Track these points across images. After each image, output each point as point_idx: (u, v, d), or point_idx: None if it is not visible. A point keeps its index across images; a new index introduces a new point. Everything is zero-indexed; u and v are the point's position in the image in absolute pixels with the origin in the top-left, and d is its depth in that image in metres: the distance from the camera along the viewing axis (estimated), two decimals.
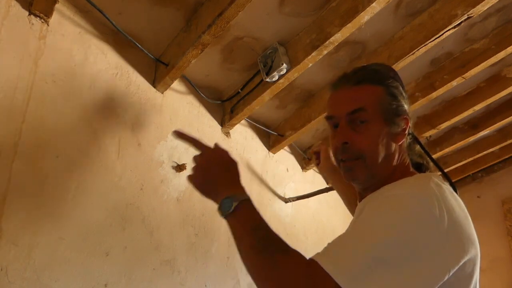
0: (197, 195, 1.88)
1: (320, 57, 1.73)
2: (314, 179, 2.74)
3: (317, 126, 2.38)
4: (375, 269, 0.63)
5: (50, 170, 1.37)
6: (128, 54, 1.75)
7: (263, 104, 2.01)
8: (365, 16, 1.52)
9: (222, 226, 1.96)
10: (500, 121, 2.48)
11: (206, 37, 1.55)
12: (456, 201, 0.76)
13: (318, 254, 0.72)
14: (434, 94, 2.08)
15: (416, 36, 1.74)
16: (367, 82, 0.90)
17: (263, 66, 1.82)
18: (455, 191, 0.82)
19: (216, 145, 1.00)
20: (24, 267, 1.24)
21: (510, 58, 2.02)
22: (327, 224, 2.63)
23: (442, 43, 1.82)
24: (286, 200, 2.41)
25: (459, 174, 3.17)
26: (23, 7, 1.43)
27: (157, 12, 1.63)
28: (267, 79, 1.82)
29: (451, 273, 0.66)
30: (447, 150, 2.71)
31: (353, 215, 1.32)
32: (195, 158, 1.00)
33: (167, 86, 1.84)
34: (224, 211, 0.89)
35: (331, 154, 1.45)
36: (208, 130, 2.06)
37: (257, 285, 0.72)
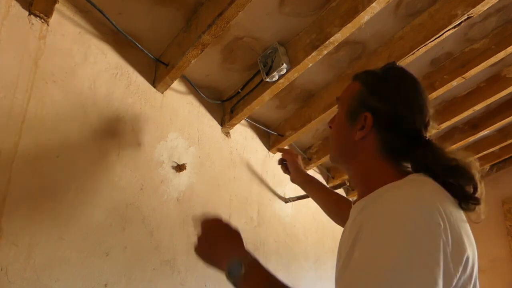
0: (197, 195, 1.90)
1: (320, 57, 1.73)
2: None
3: (317, 126, 2.38)
4: None
5: (50, 170, 1.38)
6: (128, 54, 1.75)
7: (263, 104, 2.01)
8: (365, 16, 1.52)
9: None
10: (500, 121, 2.48)
11: (206, 37, 1.55)
12: (450, 200, 0.76)
13: None
14: (434, 94, 2.08)
15: (416, 36, 1.74)
16: (355, 78, 0.99)
17: (263, 66, 1.82)
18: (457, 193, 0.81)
19: (217, 218, 1.02)
20: (24, 267, 1.24)
21: (510, 58, 2.02)
22: (327, 224, 2.63)
23: (442, 43, 1.82)
24: (286, 200, 2.41)
25: None
26: (23, 7, 1.43)
27: (157, 12, 1.63)
28: (267, 79, 1.82)
29: (457, 277, 0.67)
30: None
31: (334, 220, 1.34)
32: (200, 232, 1.04)
33: (167, 86, 1.84)
34: (234, 276, 0.88)
35: (300, 163, 1.53)
36: (208, 130, 2.06)
37: None
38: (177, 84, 1.95)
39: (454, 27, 1.65)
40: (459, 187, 0.79)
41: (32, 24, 1.44)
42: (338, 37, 1.62)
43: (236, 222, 2.05)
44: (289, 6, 1.64)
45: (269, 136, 2.44)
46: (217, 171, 2.04)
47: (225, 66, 1.94)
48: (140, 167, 1.67)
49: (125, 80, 1.72)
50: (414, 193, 0.74)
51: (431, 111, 0.90)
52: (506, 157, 3.04)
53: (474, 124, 2.59)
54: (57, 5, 1.45)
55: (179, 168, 1.82)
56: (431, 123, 0.89)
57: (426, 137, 0.88)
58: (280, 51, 1.77)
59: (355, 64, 1.98)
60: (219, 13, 1.46)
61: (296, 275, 2.32)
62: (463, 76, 2.00)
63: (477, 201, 0.80)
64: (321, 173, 2.83)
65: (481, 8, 1.57)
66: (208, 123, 2.08)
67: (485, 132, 2.61)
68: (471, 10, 1.57)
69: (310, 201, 2.54)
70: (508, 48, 1.85)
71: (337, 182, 2.79)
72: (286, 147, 1.55)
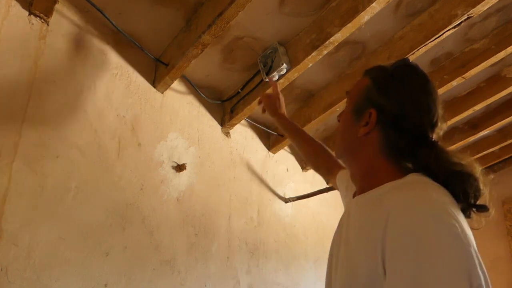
0: (197, 195, 1.90)
1: (320, 57, 1.73)
2: (314, 179, 2.74)
3: (317, 126, 2.38)
4: None
5: (50, 170, 1.38)
6: (128, 54, 1.75)
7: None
8: (365, 16, 1.52)
9: (222, 226, 1.96)
10: (500, 121, 2.48)
11: (206, 37, 1.55)
12: (450, 199, 0.76)
13: None
14: None
15: (416, 36, 1.74)
16: (365, 74, 0.97)
17: (263, 66, 1.82)
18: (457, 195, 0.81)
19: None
20: (24, 267, 1.24)
21: (510, 58, 2.02)
22: (327, 224, 2.63)
23: (442, 43, 1.82)
24: (286, 200, 2.41)
25: None
26: (23, 7, 1.43)
27: (157, 12, 1.63)
28: (267, 79, 1.82)
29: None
30: (447, 149, 2.71)
31: (313, 167, 1.45)
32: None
33: (167, 86, 1.84)
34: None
35: (280, 103, 1.54)
36: (208, 130, 2.06)
37: None
38: (177, 84, 1.95)
39: (454, 27, 1.65)
40: (464, 193, 0.77)
41: (32, 24, 1.44)
42: (338, 37, 1.62)
43: (236, 222, 2.05)
44: (289, 6, 1.64)
45: (269, 136, 2.44)
46: (217, 171, 2.04)
47: (225, 66, 1.94)
48: (140, 167, 1.67)
49: (125, 80, 1.72)
50: (434, 202, 0.71)
51: (440, 111, 0.87)
52: (506, 157, 3.04)
53: (474, 124, 2.59)
54: (57, 5, 1.46)
55: (179, 168, 1.82)
56: (439, 124, 0.87)
57: (431, 138, 0.86)
58: (280, 51, 1.78)
59: (355, 64, 1.98)
60: (219, 13, 1.46)
61: (296, 275, 2.32)
62: (463, 76, 2.00)
63: (482, 209, 0.78)
64: None
65: (481, 8, 1.57)
66: (208, 123, 2.08)
67: (485, 132, 2.61)
68: (471, 10, 1.57)
69: (310, 201, 2.55)
70: (508, 48, 1.85)
71: None
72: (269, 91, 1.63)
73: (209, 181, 1.98)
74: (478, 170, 0.80)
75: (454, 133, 2.65)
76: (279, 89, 1.57)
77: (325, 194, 2.45)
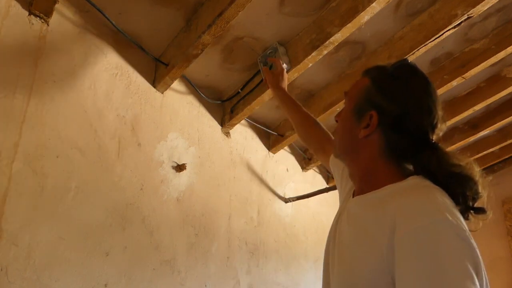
0: (197, 195, 1.90)
1: (320, 57, 1.73)
2: (314, 179, 2.74)
3: None
4: None
5: (50, 170, 1.38)
6: (128, 54, 1.75)
7: (263, 104, 2.01)
8: (365, 16, 1.52)
9: (222, 226, 1.96)
10: (500, 121, 2.48)
11: (206, 37, 1.55)
12: (451, 202, 0.76)
13: None
14: None
15: (416, 36, 1.74)
16: (364, 74, 0.96)
17: (263, 66, 1.82)
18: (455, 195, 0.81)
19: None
20: (24, 267, 1.24)
21: (510, 58, 2.02)
22: (327, 224, 2.63)
23: (442, 43, 1.82)
24: (286, 200, 2.41)
25: None
26: (23, 7, 1.43)
27: (157, 12, 1.63)
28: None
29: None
30: (447, 150, 2.70)
31: (301, 139, 1.46)
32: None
33: (167, 86, 1.84)
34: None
35: (281, 78, 1.60)
36: (208, 130, 2.06)
37: None
38: (177, 84, 1.95)
39: (454, 27, 1.65)
40: (463, 196, 0.78)
41: (32, 24, 1.44)
42: (338, 37, 1.62)
43: (236, 222, 2.05)
44: (289, 6, 1.64)
45: (269, 136, 2.44)
46: (217, 171, 2.04)
47: (225, 66, 1.94)
48: (140, 167, 1.67)
49: (125, 80, 1.72)
50: (441, 207, 0.71)
51: (440, 113, 0.86)
52: (506, 157, 3.04)
53: (474, 124, 2.59)
54: (57, 5, 1.46)
55: (179, 168, 1.82)
56: (439, 125, 0.86)
57: (432, 139, 0.86)
58: (280, 51, 1.77)
59: (355, 64, 1.98)
60: (219, 13, 1.46)
61: (296, 275, 2.32)
62: (463, 76, 2.00)
63: (480, 211, 0.79)
64: (321, 173, 2.83)
65: (481, 8, 1.57)
66: (208, 123, 2.08)
67: (485, 132, 2.60)
68: (471, 10, 1.57)
69: (310, 201, 2.55)
70: (508, 48, 1.85)
71: None
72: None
73: (209, 181, 1.98)
74: (477, 172, 0.81)
75: (454, 133, 2.65)
76: (285, 71, 1.64)
77: (325, 194, 2.45)
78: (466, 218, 0.77)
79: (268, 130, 2.38)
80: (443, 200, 0.74)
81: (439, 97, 0.90)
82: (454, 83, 2.04)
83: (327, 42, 1.64)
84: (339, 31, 1.59)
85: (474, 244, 0.67)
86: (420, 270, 0.65)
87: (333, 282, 0.86)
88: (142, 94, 1.77)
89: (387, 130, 0.86)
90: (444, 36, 1.69)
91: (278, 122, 2.39)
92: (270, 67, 1.74)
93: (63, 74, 1.50)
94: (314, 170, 2.77)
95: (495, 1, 1.54)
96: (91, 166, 1.50)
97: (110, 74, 1.67)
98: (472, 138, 2.63)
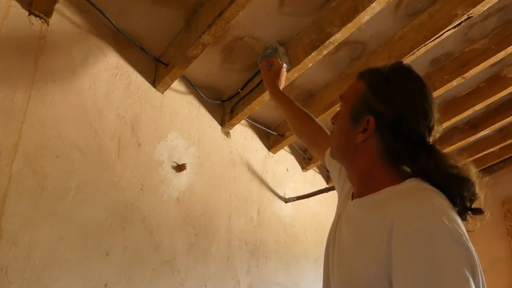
0: (197, 195, 1.90)
1: (320, 57, 1.73)
2: (314, 179, 2.74)
3: None
4: None
5: (50, 170, 1.38)
6: (128, 54, 1.75)
7: (263, 104, 2.01)
8: (365, 16, 1.52)
9: (222, 226, 1.96)
10: (500, 121, 2.48)
11: (206, 37, 1.55)
12: (449, 204, 0.76)
13: None
14: (434, 94, 2.06)
15: (416, 36, 1.74)
16: (359, 77, 0.95)
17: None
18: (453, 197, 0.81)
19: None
20: (24, 267, 1.24)
21: (510, 58, 2.02)
22: (327, 224, 2.63)
23: (442, 43, 1.82)
24: (286, 200, 2.41)
25: None
26: (23, 7, 1.43)
27: (157, 12, 1.63)
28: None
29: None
30: (447, 150, 2.70)
31: (295, 133, 1.46)
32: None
33: (167, 86, 1.84)
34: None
35: (279, 76, 1.60)
36: (208, 130, 2.06)
37: None
38: (177, 84, 1.95)
39: (454, 27, 1.65)
40: (461, 197, 0.78)
41: (32, 24, 1.44)
42: (338, 37, 1.62)
43: (236, 222, 2.05)
44: (289, 6, 1.64)
45: (269, 136, 2.44)
46: (217, 171, 2.04)
47: (225, 66, 1.94)
48: (140, 167, 1.67)
49: (125, 80, 1.72)
50: (438, 210, 0.71)
51: (436, 115, 0.87)
52: (506, 157, 3.04)
53: (474, 124, 2.59)
54: (57, 5, 1.46)
55: (179, 168, 1.82)
56: (435, 127, 0.86)
57: (429, 142, 0.86)
58: (280, 51, 1.78)
59: (355, 64, 1.98)
60: (219, 13, 1.46)
61: (296, 275, 2.32)
62: (463, 76, 2.00)
63: (478, 212, 0.79)
64: (321, 173, 2.83)
65: (481, 8, 1.57)
66: (208, 123, 2.08)
67: (485, 132, 2.60)
68: (471, 10, 1.57)
69: (310, 201, 2.55)
70: (508, 48, 1.85)
71: None
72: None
73: (209, 181, 1.98)
74: (474, 173, 0.81)
75: (454, 133, 2.65)
76: (284, 70, 1.65)
77: (325, 194, 2.45)
78: (464, 219, 0.78)
79: (268, 130, 2.38)
80: (441, 202, 0.74)
81: (435, 99, 0.90)
82: (454, 83, 2.04)
83: (327, 42, 1.64)
84: (339, 31, 1.59)
85: (471, 247, 0.67)
86: (416, 274, 0.66)
87: (333, 283, 0.87)
88: (142, 94, 1.77)
89: (384, 134, 0.86)
90: (444, 36, 1.69)
91: (278, 122, 2.39)
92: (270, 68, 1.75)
93: (63, 74, 1.50)
94: (314, 170, 2.77)
95: (495, 1, 1.54)
96: (91, 166, 1.50)
97: (110, 74, 1.67)
98: (472, 138, 2.63)
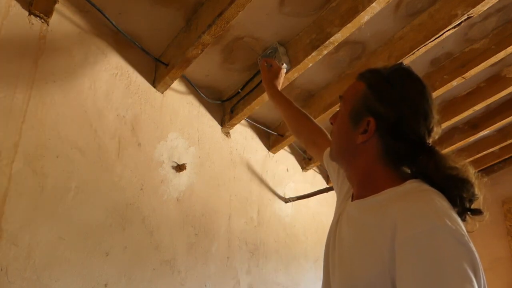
0: (197, 195, 1.90)
1: (320, 57, 1.73)
2: (314, 179, 2.74)
3: None
4: None
5: (50, 170, 1.38)
6: (128, 54, 1.75)
7: (263, 104, 2.01)
8: (365, 16, 1.52)
9: (222, 226, 1.96)
10: (500, 121, 2.48)
11: (206, 37, 1.55)
12: (449, 205, 0.76)
13: None
14: (434, 94, 2.08)
15: (416, 36, 1.74)
16: (359, 78, 0.95)
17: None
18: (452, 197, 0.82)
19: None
20: (24, 267, 1.24)
21: (510, 58, 2.02)
22: (327, 224, 2.61)
23: (442, 43, 1.82)
24: (286, 200, 2.41)
25: None
26: (23, 7, 1.43)
27: (157, 12, 1.63)
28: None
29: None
30: (447, 150, 2.71)
31: (293, 134, 1.48)
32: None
33: (167, 86, 1.84)
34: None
35: (277, 78, 1.64)
36: (208, 130, 2.06)
37: None
38: (177, 84, 1.95)
39: (454, 27, 1.65)
40: (460, 198, 0.79)
41: (32, 24, 1.44)
42: (338, 37, 1.62)
43: (236, 222, 2.05)
44: (289, 6, 1.64)
45: (269, 136, 2.44)
46: (217, 171, 2.04)
47: (225, 66, 1.94)
48: (140, 167, 1.67)
49: (125, 80, 1.72)
50: (439, 211, 0.72)
51: (436, 117, 0.87)
52: (506, 157, 3.04)
53: (474, 124, 2.59)
54: (57, 5, 1.46)
55: (179, 168, 1.82)
56: (435, 129, 0.87)
57: (429, 143, 0.86)
58: (280, 51, 1.77)
59: (355, 64, 1.98)
60: (219, 13, 1.46)
61: (296, 275, 2.32)
62: (463, 76, 2.00)
63: (477, 213, 0.79)
64: (321, 172, 2.83)
65: (481, 8, 1.57)
66: (208, 123, 2.08)
67: (485, 132, 2.60)
68: (471, 10, 1.57)
69: (310, 201, 2.55)
70: (508, 48, 1.85)
71: None
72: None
73: (209, 181, 1.98)
74: (473, 174, 0.81)
75: (454, 133, 2.65)
76: (283, 70, 1.69)
77: (325, 194, 2.45)
78: (463, 220, 0.78)
79: (268, 130, 2.38)
80: (442, 204, 0.74)
81: (435, 99, 0.90)
82: (454, 83, 2.04)
83: (327, 42, 1.64)
84: (339, 31, 1.59)
85: (473, 248, 0.68)
86: (420, 275, 0.66)
87: (333, 283, 0.87)
88: (142, 94, 1.77)
89: (384, 135, 0.86)
90: (444, 36, 1.69)
91: (278, 122, 2.39)
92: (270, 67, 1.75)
93: (63, 74, 1.50)
94: (314, 170, 2.77)
95: (495, 1, 1.54)
96: (91, 166, 1.50)
97: (110, 74, 1.67)
98: (472, 138, 2.63)
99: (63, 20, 1.54)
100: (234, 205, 2.07)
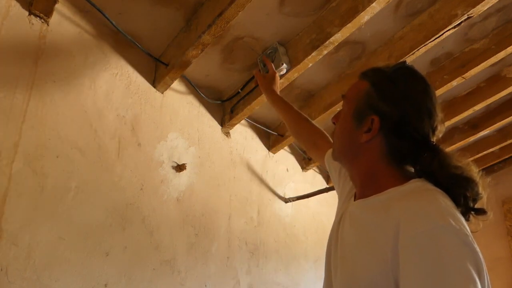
0: (197, 195, 1.90)
1: (320, 57, 1.73)
2: (314, 179, 2.74)
3: (318, 125, 2.38)
4: None
5: (50, 170, 1.38)
6: (128, 54, 1.75)
7: (263, 104, 2.01)
8: (365, 16, 1.52)
9: (222, 226, 1.96)
10: (500, 121, 2.48)
11: (206, 37, 1.55)
12: (453, 204, 0.76)
13: None
14: None
15: (416, 36, 1.74)
16: (362, 77, 0.94)
17: (263, 66, 1.82)
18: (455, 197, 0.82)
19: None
20: (24, 267, 1.24)
21: (510, 58, 2.02)
22: (327, 224, 2.63)
23: (442, 43, 1.82)
24: (286, 200, 2.41)
25: None
26: (23, 7, 1.43)
27: (157, 12, 1.63)
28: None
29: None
30: (447, 150, 2.71)
31: (294, 137, 1.51)
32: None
33: (167, 86, 1.84)
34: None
35: (275, 82, 1.65)
36: (208, 130, 2.06)
37: None
38: (177, 84, 1.95)
39: (454, 27, 1.65)
40: (464, 197, 0.78)
41: (32, 24, 1.44)
42: (338, 37, 1.62)
43: (236, 222, 2.05)
44: (289, 6, 1.64)
45: (269, 136, 2.44)
46: (217, 171, 2.04)
47: (225, 66, 1.94)
48: (140, 167, 1.67)
49: (125, 80, 1.72)
50: (443, 211, 0.72)
51: (440, 115, 0.87)
52: (506, 157, 3.04)
53: (474, 124, 2.59)
54: (57, 5, 1.46)
55: (179, 168, 1.82)
56: (439, 127, 0.86)
57: (433, 142, 0.86)
58: (280, 51, 1.77)
59: (355, 64, 1.98)
60: (219, 13, 1.46)
61: (296, 275, 2.32)
62: (463, 76, 2.00)
63: (481, 212, 0.79)
64: (321, 173, 2.83)
65: (481, 8, 1.57)
66: (208, 123, 2.08)
67: (485, 132, 2.60)
68: (471, 10, 1.57)
69: (310, 201, 2.55)
70: (508, 48, 1.85)
71: None
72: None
73: (209, 181, 1.98)
74: (477, 173, 0.81)
75: (454, 133, 2.65)
76: (278, 74, 1.70)
77: (325, 194, 2.45)
78: (467, 219, 0.78)
79: (268, 130, 2.38)
80: (446, 203, 0.74)
81: (438, 98, 0.90)
82: (454, 83, 2.04)
83: (327, 42, 1.64)
84: (339, 31, 1.59)
85: (477, 248, 0.68)
86: (423, 274, 0.66)
87: (335, 283, 0.87)
88: (142, 94, 1.77)
89: (388, 134, 0.86)
90: (444, 36, 1.69)
91: (278, 122, 2.39)
92: (264, 65, 1.76)
93: (63, 74, 1.50)
94: (314, 170, 2.77)
95: (495, 1, 1.54)
96: (91, 166, 1.50)
97: (110, 74, 1.67)
98: (472, 138, 2.63)
99: (63, 20, 1.54)
100: (234, 205, 2.07)
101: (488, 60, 1.91)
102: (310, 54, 1.70)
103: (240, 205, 2.11)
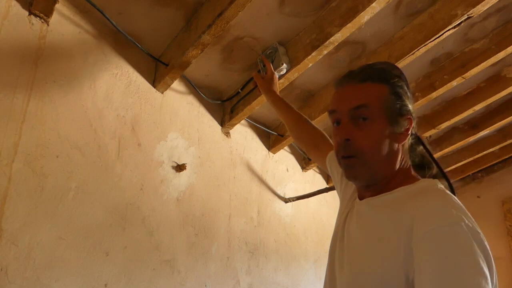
0: (197, 195, 1.90)
1: (320, 57, 1.73)
2: (314, 179, 2.74)
3: (317, 126, 2.38)
4: None
5: (50, 170, 1.38)
6: (128, 54, 1.75)
7: (263, 104, 2.01)
8: (365, 16, 1.52)
9: (222, 226, 1.96)
10: (500, 121, 2.49)
11: (206, 37, 1.55)
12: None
13: None
14: (434, 94, 2.08)
15: (416, 36, 1.74)
16: (373, 80, 0.88)
17: (263, 66, 1.82)
18: (453, 192, 0.83)
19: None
20: (24, 267, 1.24)
21: (510, 58, 2.02)
22: (327, 224, 2.63)
23: (442, 43, 1.82)
24: (286, 200, 2.41)
25: (459, 174, 3.17)
26: (23, 7, 1.43)
27: (157, 12, 1.63)
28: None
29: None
30: (447, 150, 2.72)
31: (294, 138, 1.50)
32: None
33: (167, 86, 1.84)
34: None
35: (274, 83, 1.66)
36: (208, 130, 2.06)
37: None
38: (177, 84, 1.95)
39: (454, 27, 1.65)
40: (447, 176, 0.86)
41: (32, 24, 1.44)
42: (338, 37, 1.62)
43: (236, 222, 2.05)
44: (289, 6, 1.64)
45: (269, 136, 2.44)
46: (217, 171, 2.04)
47: (225, 66, 1.94)
48: (140, 167, 1.67)
49: (125, 80, 1.72)
50: (456, 209, 0.74)
51: None
52: (506, 157, 3.04)
53: (474, 124, 2.59)
54: (57, 5, 1.46)
55: (179, 168, 1.82)
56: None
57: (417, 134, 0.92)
58: (280, 51, 1.77)
59: (355, 64, 1.98)
60: (219, 13, 1.46)
61: (296, 275, 2.32)
62: (463, 76, 2.00)
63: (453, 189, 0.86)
64: (321, 172, 2.83)
65: (481, 8, 1.57)
66: (208, 123, 2.08)
67: (485, 132, 2.61)
68: (471, 10, 1.57)
69: (310, 201, 2.55)
70: (508, 48, 1.85)
71: None
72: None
73: (209, 181, 1.98)
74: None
75: (454, 133, 2.65)
76: (276, 75, 1.70)
77: (325, 194, 2.45)
78: None
79: (268, 130, 2.38)
80: (458, 201, 0.77)
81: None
82: (454, 83, 2.04)
83: (327, 42, 1.64)
84: (339, 31, 1.59)
85: (488, 246, 0.71)
86: (438, 269, 0.68)
87: (340, 281, 0.87)
88: (142, 94, 1.77)
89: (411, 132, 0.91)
90: (444, 36, 1.69)
91: (278, 122, 2.39)
92: (264, 65, 1.76)
93: (63, 74, 1.50)
94: (314, 170, 2.77)
95: (495, 1, 1.54)
96: (91, 166, 1.50)
97: (110, 74, 1.67)
98: (472, 138, 2.63)
99: (63, 20, 1.54)
100: (234, 205, 2.07)
101: (488, 60, 1.92)
102: (310, 54, 1.70)
103: (240, 205, 2.11)
